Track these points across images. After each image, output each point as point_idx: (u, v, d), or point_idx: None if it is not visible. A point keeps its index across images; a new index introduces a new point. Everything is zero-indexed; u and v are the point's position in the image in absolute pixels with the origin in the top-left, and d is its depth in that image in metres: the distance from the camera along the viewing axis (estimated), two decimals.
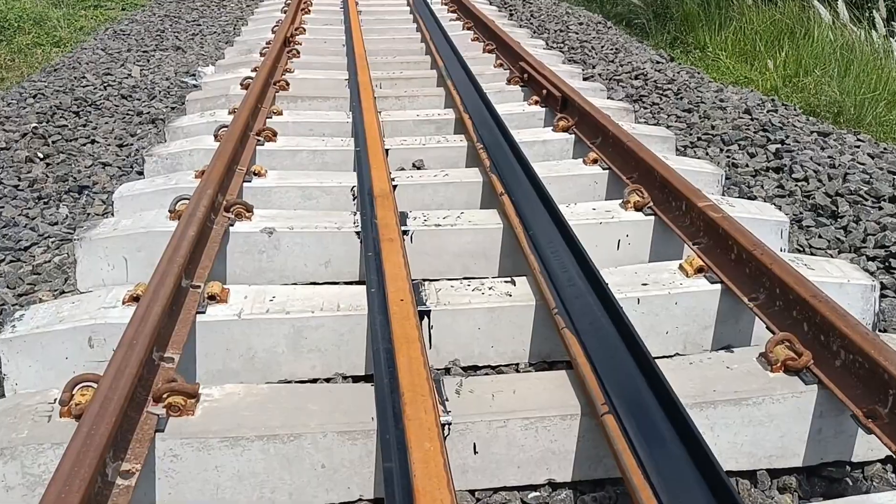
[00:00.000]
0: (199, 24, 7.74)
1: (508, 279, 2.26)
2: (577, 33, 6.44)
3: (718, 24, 6.97)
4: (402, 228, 2.55)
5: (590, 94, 4.34)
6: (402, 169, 3.44)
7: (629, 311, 2.07)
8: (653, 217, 2.62)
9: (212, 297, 2.07)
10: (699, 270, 2.21)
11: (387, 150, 3.44)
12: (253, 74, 4.46)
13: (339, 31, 6.28)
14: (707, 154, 3.75)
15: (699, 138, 3.93)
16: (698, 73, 5.23)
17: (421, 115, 3.98)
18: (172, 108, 4.83)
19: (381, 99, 4.30)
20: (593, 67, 5.41)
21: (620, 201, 2.71)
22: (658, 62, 5.48)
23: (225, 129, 3.34)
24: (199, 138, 3.47)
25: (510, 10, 8.05)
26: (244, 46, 5.93)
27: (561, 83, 3.97)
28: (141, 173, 3.56)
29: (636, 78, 5.10)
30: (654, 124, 4.34)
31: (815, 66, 5.65)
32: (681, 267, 2.25)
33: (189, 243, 2.19)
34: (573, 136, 3.54)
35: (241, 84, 4.32)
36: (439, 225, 2.60)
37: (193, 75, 5.65)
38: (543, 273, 2.20)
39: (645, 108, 4.68)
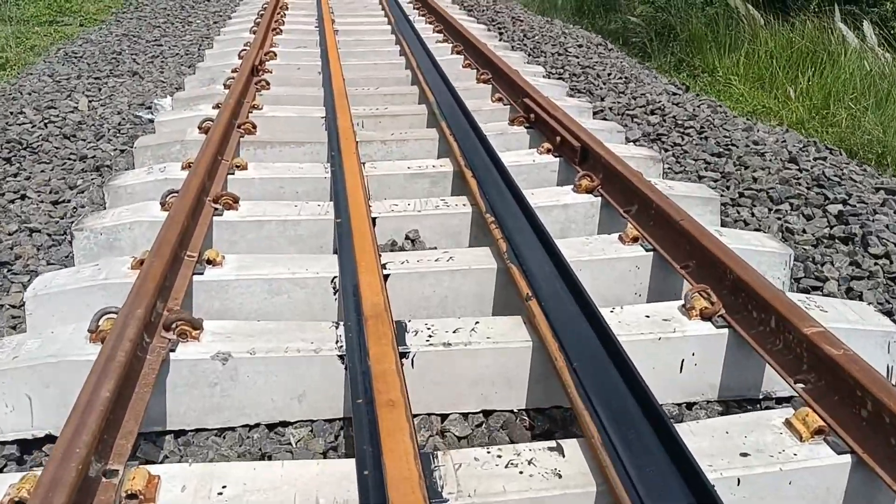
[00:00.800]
0: (160, 45, 7.05)
1: (554, 445, 1.63)
2: (577, 57, 5.86)
3: (728, 46, 6.43)
4: (401, 349, 1.93)
5: (607, 137, 3.74)
6: (394, 245, 2.82)
7: (725, 494, 1.48)
8: (726, 330, 2.02)
9: (131, 497, 1.43)
10: (818, 432, 1.60)
11: (374, 219, 2.81)
12: (215, 113, 3.81)
13: (314, 56, 5.65)
14: (753, 215, 3.16)
15: (741, 194, 3.34)
16: (720, 107, 4.66)
17: (412, 167, 3.35)
18: (122, 151, 4.16)
19: (364, 143, 3.67)
20: (602, 100, 4.82)
21: (681, 305, 2.11)
22: (674, 93, 4.90)
23: (175, 195, 2.70)
24: (144, 206, 2.82)
25: (499, 30, 7.46)
26: (207, 75, 5.27)
27: (577, 128, 3.37)
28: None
29: (652, 113, 4.52)
30: (681, 171, 3.76)
31: (844, 95, 5.11)
32: (788, 423, 1.64)
33: (109, 391, 1.56)
34: (599, 198, 2.93)
35: (200, 127, 3.67)
36: (449, 344, 1.97)
37: (150, 108, 4.98)
38: (601, 435, 1.59)
39: (665, 149, 4.10)
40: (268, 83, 4.65)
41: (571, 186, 3.02)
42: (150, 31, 7.73)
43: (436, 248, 2.80)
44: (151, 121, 4.59)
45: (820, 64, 5.60)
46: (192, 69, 5.86)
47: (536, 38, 6.67)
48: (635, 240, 2.53)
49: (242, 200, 2.86)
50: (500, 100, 4.43)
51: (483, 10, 8.60)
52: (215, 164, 3.12)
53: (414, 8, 7.89)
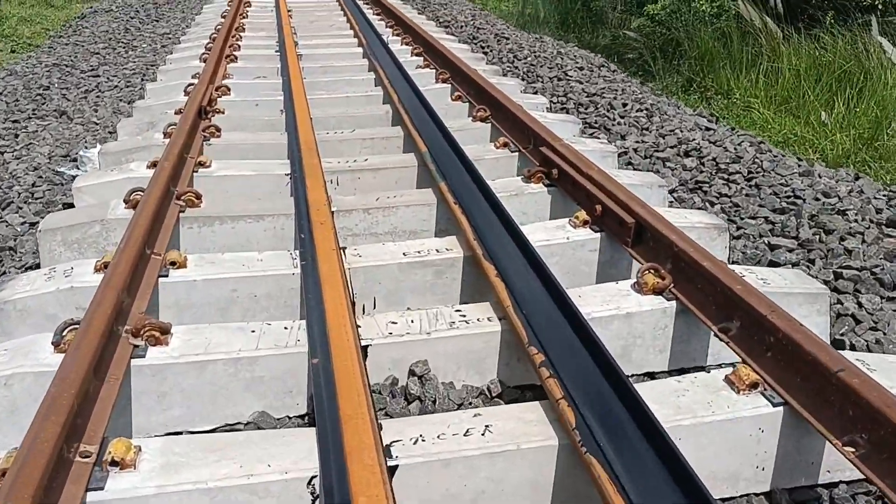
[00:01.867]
0: (97, 76, 6.14)
1: None
2: (580, 82, 5.08)
3: (744, 64, 5.71)
4: None
5: (647, 194, 2.97)
6: (394, 388, 2.00)
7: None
8: None
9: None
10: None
11: (365, 349, 1.99)
12: (149, 175, 2.96)
13: (275, 89, 4.81)
14: (862, 307, 2.39)
15: (837, 275, 2.57)
16: (763, 144, 3.91)
17: (409, 253, 2.53)
18: (32, 225, 3.28)
19: (342, 214, 2.85)
20: (623, 138, 4.04)
21: None
22: (707, 128, 4.14)
23: (75, 327, 1.86)
24: (31, 343, 1.95)
25: (484, 49, 6.67)
26: (146, 117, 4.39)
27: (624, 194, 2.58)
28: None
29: (687, 154, 3.76)
30: (740, 236, 2.99)
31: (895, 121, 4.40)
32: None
33: None
34: (674, 302, 2.13)
35: (127, 201, 2.81)
36: None
37: (75, 160, 4.10)
38: None
39: (710, 201, 3.33)
40: (218, 129, 3.80)
41: (631, 283, 2.22)
42: (88, 58, 6.81)
43: (460, 405, 1.99)
44: (76, 176, 3.71)
45: (857, 84, 4.90)
46: (131, 106, 4.98)
47: (528, 59, 5.89)
48: (753, 386, 1.72)
49: (176, 326, 2.01)
50: (505, 145, 3.63)
51: (461, 27, 7.82)
52: (142, 263, 2.27)
53: (387, 26, 7.08)
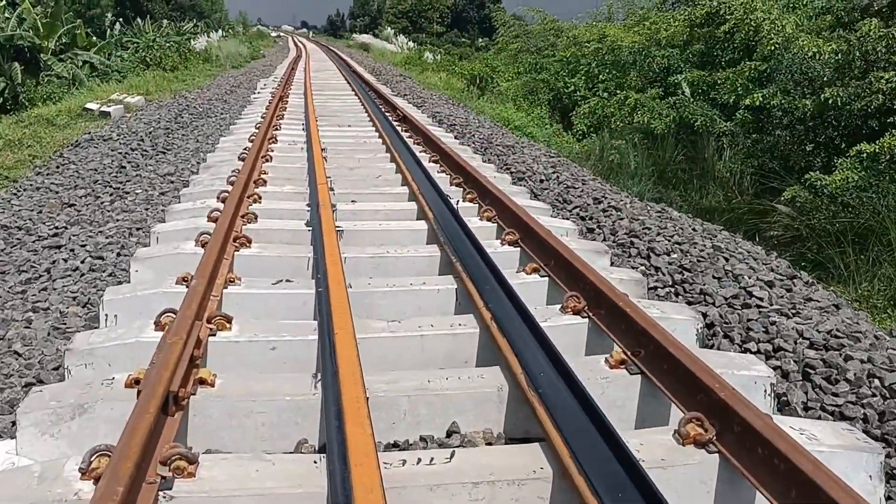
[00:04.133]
0: (57, 247, 4.43)
1: None
2: (785, 314, 3.22)
3: None
4: None
5: None
6: None
7: None
8: None
9: None
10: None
11: None
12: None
13: (303, 306, 3.04)
14: None
15: None
16: None
17: None
18: None
19: None
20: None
21: None
22: None
23: None
24: None
25: (586, 222, 4.93)
26: (98, 371, 2.59)
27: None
28: None
29: None
30: None
31: None
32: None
33: None
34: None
35: None
36: None
37: None
38: None
39: None
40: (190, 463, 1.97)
41: None
42: (55, 214, 5.13)
43: None
44: None
45: None
46: (95, 308, 3.21)
47: (674, 256, 4.09)
48: None
49: None
50: (600, 346, 1.76)
51: (543, 182, 6.13)
52: None
53: (452, 183, 5.39)
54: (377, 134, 8.09)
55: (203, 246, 3.65)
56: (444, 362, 2.85)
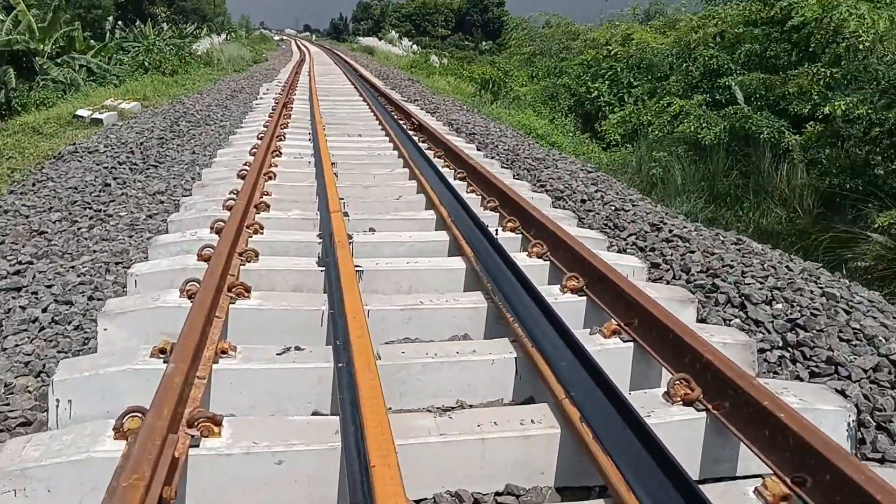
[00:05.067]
0: (16, 292, 3.66)
1: None
2: None
3: None
4: None
5: None
6: None
7: None
8: None
9: None
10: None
11: None
12: None
13: (319, 384, 2.28)
14: None
15: None
16: None
17: None
18: None
19: None
20: None
21: None
22: None
23: None
24: None
25: (645, 253, 4.16)
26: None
27: None
28: None
29: None
30: None
31: None
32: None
33: None
34: None
35: None
36: None
37: None
38: None
39: None
40: None
41: None
42: (20, 247, 4.36)
43: None
44: None
45: None
46: (48, 381, 2.46)
47: (758, 292, 3.32)
48: None
49: None
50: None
51: (586, 202, 5.36)
52: None
53: (485, 206, 4.63)
54: (392, 145, 7.32)
55: (190, 298, 2.89)
56: (512, 476, 2.08)
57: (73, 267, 3.99)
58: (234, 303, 2.93)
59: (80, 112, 10.88)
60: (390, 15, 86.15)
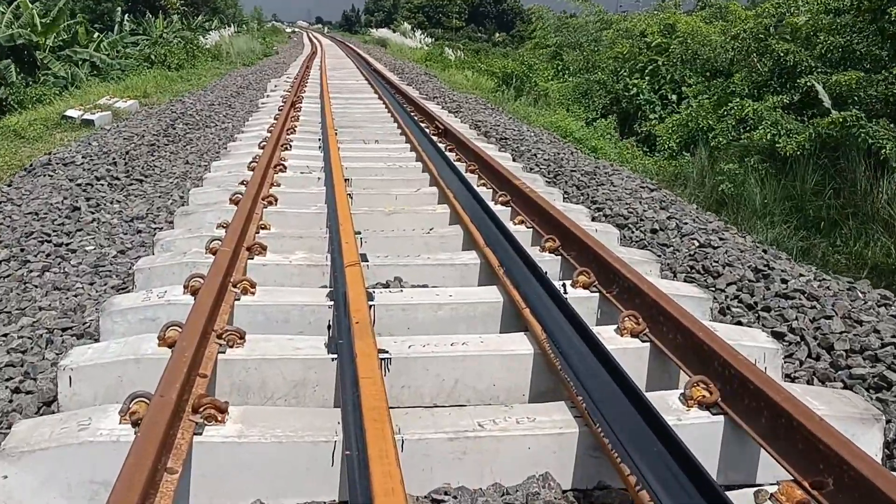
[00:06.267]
0: None
1: None
2: None
3: None
4: None
5: None
6: None
7: None
8: None
9: None
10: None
11: None
12: None
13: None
14: None
15: None
16: None
17: None
18: None
19: None
20: None
21: None
22: None
23: None
24: None
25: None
26: None
27: None
28: None
29: None
30: None
31: None
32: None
33: None
34: None
35: None
36: None
37: None
38: None
39: None
40: None
41: None
42: None
43: None
44: None
45: None
46: None
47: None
48: None
49: None
50: None
51: (653, 232, 4.33)
52: None
53: (543, 246, 3.61)
54: (414, 154, 6.31)
55: (135, 425, 1.91)
56: None
57: (4, 336, 3.02)
58: (199, 434, 1.94)
59: (69, 112, 9.92)
60: (402, 6, 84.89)
